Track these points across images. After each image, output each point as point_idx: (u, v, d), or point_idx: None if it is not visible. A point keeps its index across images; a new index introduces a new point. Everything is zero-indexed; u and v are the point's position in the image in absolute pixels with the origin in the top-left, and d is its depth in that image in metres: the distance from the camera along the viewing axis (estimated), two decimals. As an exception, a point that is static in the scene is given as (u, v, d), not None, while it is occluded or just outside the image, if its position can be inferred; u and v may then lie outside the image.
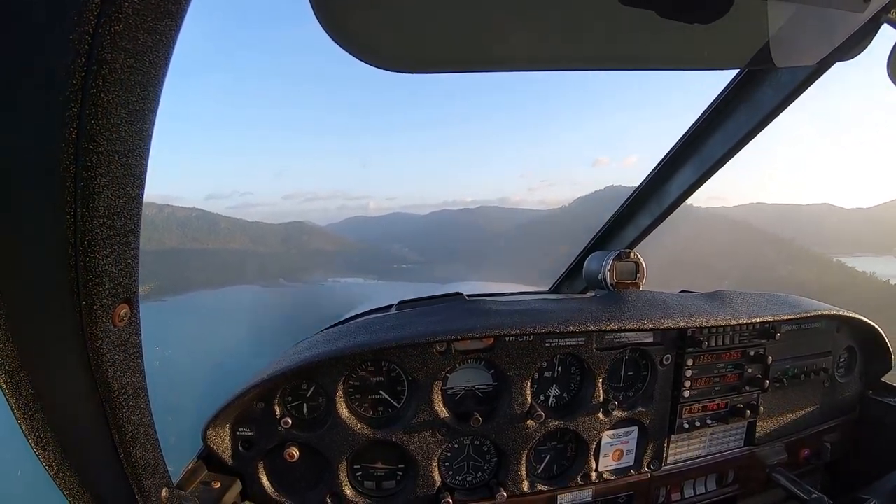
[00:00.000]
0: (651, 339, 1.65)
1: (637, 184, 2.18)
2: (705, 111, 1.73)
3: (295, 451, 1.43)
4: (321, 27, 0.74)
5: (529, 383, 1.55)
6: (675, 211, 2.08)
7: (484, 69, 1.00)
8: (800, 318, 1.83)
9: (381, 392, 1.51)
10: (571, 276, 2.68)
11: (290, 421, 1.41)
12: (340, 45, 0.77)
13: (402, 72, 0.88)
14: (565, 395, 1.65)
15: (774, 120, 1.59)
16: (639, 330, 1.58)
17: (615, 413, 1.63)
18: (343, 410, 1.46)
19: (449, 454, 1.59)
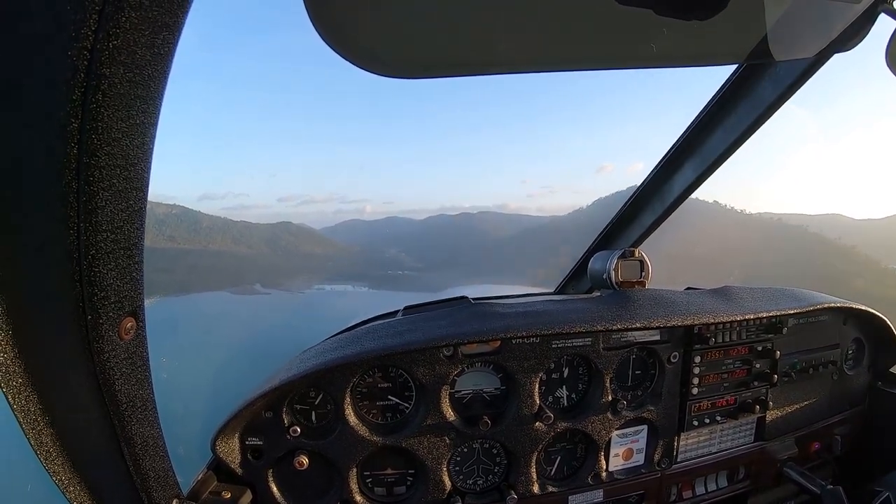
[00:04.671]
0: (658, 338, 1.64)
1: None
2: (705, 107, 1.73)
3: (304, 460, 1.43)
4: (319, 35, 0.74)
5: (537, 385, 1.55)
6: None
7: (482, 72, 1.00)
8: (806, 312, 1.81)
9: (390, 396, 1.51)
10: (576, 277, 2.67)
11: (298, 429, 1.41)
12: (338, 53, 0.77)
13: (402, 77, 0.88)
14: (573, 395, 1.65)
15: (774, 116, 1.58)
16: (646, 328, 1.57)
17: (624, 412, 1.62)
18: (351, 417, 1.46)
19: (458, 458, 1.59)
